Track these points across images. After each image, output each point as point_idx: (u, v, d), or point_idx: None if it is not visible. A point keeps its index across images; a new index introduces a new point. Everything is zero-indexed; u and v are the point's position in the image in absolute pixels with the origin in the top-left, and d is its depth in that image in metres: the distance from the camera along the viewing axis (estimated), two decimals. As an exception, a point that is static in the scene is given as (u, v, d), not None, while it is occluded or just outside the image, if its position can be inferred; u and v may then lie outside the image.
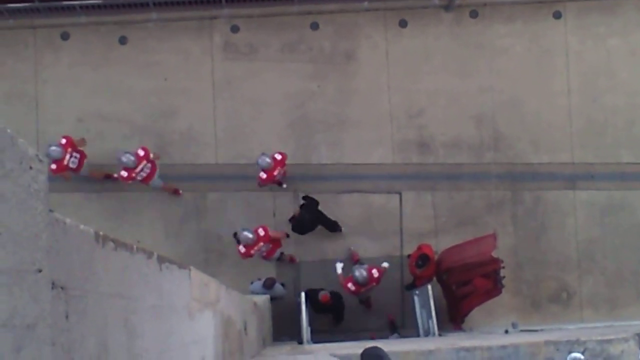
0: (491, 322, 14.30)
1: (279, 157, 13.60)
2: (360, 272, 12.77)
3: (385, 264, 13.37)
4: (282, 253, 14.06)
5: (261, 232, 13.13)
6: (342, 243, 14.72)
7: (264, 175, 13.54)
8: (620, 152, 15.38)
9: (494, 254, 13.11)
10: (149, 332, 3.57)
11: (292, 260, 14.64)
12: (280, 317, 13.76)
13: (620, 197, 15.30)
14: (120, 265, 3.17)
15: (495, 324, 14.19)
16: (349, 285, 12.89)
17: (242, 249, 13.14)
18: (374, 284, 13.09)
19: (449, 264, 13.48)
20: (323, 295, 13.32)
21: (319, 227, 14.25)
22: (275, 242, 13.48)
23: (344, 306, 14.02)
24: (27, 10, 14.67)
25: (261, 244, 13.15)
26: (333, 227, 14.52)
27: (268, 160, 13.42)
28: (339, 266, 13.19)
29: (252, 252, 13.19)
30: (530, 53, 15.48)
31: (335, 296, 13.63)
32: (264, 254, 13.43)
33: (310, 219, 14.09)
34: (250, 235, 12.97)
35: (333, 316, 14.19)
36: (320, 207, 14.26)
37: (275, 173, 13.61)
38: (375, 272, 12.97)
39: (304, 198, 14.32)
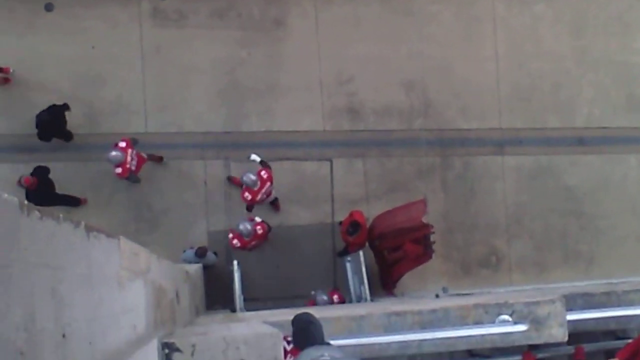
0: (422, 287, 14.50)
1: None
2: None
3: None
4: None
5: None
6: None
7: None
8: (547, 117, 15.69)
9: (425, 220, 13.22)
10: (78, 301, 3.52)
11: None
12: (213, 285, 13.71)
13: (547, 161, 15.60)
14: (47, 234, 3.13)
15: (427, 289, 14.42)
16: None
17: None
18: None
19: (381, 229, 13.57)
20: None
21: None
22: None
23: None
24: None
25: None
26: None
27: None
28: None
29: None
30: (458, 19, 15.63)
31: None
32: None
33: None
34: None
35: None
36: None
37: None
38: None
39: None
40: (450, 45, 15.48)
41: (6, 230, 2.69)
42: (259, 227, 13.25)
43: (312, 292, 13.21)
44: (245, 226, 12.93)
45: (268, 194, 13.32)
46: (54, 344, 3.09)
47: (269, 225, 13.61)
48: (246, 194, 13.01)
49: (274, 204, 14.52)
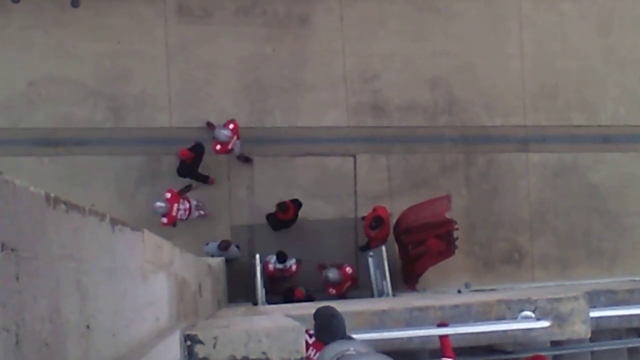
0: (445, 282, 14.43)
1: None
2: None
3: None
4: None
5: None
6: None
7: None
8: (571, 115, 15.60)
9: (448, 216, 13.24)
10: (102, 293, 3.57)
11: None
12: (235, 279, 13.76)
13: (571, 159, 15.53)
14: (72, 227, 3.15)
15: (449, 285, 14.34)
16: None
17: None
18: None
19: (407, 223, 13.59)
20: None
21: None
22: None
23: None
24: (-23, -28, 14.46)
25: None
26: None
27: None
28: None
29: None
30: (484, 17, 15.55)
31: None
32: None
33: None
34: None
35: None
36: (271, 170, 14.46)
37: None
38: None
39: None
40: (476, 43, 15.41)
41: (33, 222, 2.71)
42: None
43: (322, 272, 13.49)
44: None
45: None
46: (78, 336, 3.12)
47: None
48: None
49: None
